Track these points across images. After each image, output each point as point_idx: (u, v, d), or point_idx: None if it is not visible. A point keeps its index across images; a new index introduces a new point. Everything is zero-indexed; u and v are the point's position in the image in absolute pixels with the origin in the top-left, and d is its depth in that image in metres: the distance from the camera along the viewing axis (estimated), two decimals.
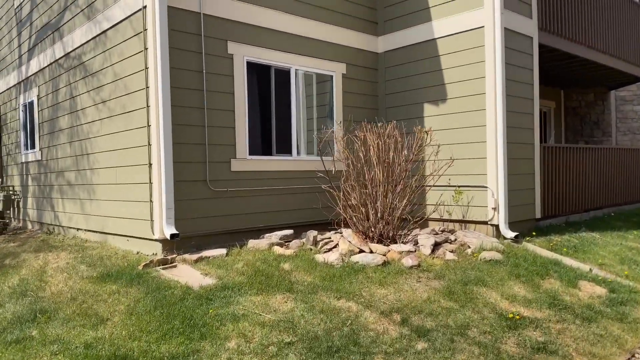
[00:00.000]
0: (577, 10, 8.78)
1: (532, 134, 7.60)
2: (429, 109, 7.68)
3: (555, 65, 9.91)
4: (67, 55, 7.79)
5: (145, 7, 5.75)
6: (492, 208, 6.93)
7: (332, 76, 7.62)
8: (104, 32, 6.70)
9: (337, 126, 7.49)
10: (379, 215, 6.22)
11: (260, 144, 6.84)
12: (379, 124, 6.24)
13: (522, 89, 7.38)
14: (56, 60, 8.16)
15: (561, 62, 9.55)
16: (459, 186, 7.29)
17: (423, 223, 7.61)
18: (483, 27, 6.98)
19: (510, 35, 7.10)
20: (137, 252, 6.16)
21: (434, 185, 7.34)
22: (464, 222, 7.30)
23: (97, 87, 6.94)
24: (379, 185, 6.21)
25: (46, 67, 8.55)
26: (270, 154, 6.92)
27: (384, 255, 5.64)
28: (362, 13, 8.03)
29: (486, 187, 7.00)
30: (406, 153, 6.17)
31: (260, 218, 6.65)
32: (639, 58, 11.13)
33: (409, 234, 6.35)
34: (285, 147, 7.08)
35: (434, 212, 7.54)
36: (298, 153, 7.22)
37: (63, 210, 8.12)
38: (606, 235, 7.82)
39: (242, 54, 6.48)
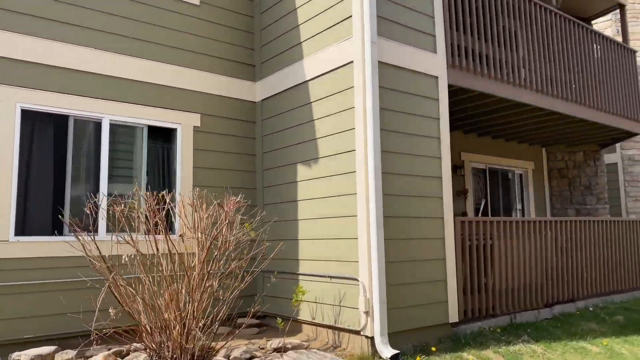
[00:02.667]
0: (515, 42, 6.90)
1: (440, 204, 5.56)
2: (302, 171, 5.81)
3: (504, 116, 7.93)
4: None
5: None
6: (364, 312, 4.82)
7: (175, 129, 5.92)
8: None
9: (181, 195, 5.70)
10: (185, 324, 4.27)
11: (46, 220, 5.09)
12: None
13: (417, 143, 5.43)
14: None
15: (509, 112, 7.57)
16: (331, 277, 5.26)
17: (294, 328, 5.58)
18: (352, 62, 5.20)
19: (393, 73, 5.28)
20: None
21: (250, 271, 5.40)
22: (336, 329, 5.19)
23: None
24: (178, 280, 4.31)
25: None
26: (60, 232, 5.14)
27: None
28: (228, 52, 6.42)
29: (357, 279, 4.94)
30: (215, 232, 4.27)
31: (25, 326, 4.75)
32: (623, 108, 9.01)
33: (215, 354, 4.30)
34: (87, 225, 5.29)
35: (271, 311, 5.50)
36: (109, 231, 5.40)
37: None
38: (556, 347, 5.50)
39: (14, 100, 4.88)
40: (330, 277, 5.25)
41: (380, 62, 5.11)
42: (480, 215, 8.66)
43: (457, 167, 8.98)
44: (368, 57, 4.99)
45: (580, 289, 7.39)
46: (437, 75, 5.71)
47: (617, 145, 13.66)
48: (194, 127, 6.01)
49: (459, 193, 8.94)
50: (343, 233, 5.15)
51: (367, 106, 4.95)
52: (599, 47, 8.60)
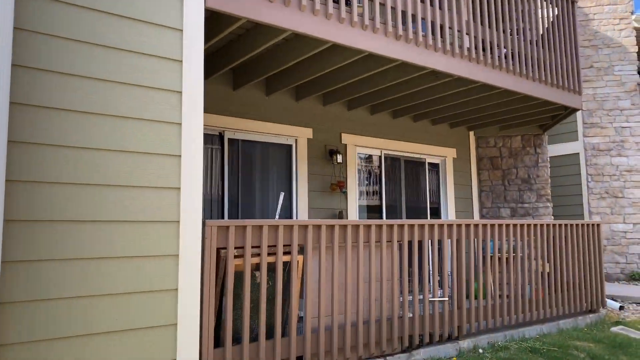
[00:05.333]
0: None
1: (175, 199, 3.37)
2: None
3: (373, 77, 5.75)
4: None
5: None
6: None
7: None
8: None
9: None
10: None
11: None
12: None
13: (120, 96, 3.23)
14: None
15: (373, 72, 5.38)
16: None
17: None
18: None
19: None
20: None
21: None
22: None
23: None
24: None
25: None
26: None
27: None
28: None
29: None
30: None
31: None
32: (556, 74, 6.77)
33: None
34: None
35: None
36: None
37: None
38: None
39: None
40: None
41: None
42: (296, 216, 6.32)
43: (333, 152, 6.80)
44: None
45: (468, 321, 5.18)
46: None
47: (580, 132, 11.48)
48: None
49: (334, 187, 6.76)
50: None
51: None
52: None
